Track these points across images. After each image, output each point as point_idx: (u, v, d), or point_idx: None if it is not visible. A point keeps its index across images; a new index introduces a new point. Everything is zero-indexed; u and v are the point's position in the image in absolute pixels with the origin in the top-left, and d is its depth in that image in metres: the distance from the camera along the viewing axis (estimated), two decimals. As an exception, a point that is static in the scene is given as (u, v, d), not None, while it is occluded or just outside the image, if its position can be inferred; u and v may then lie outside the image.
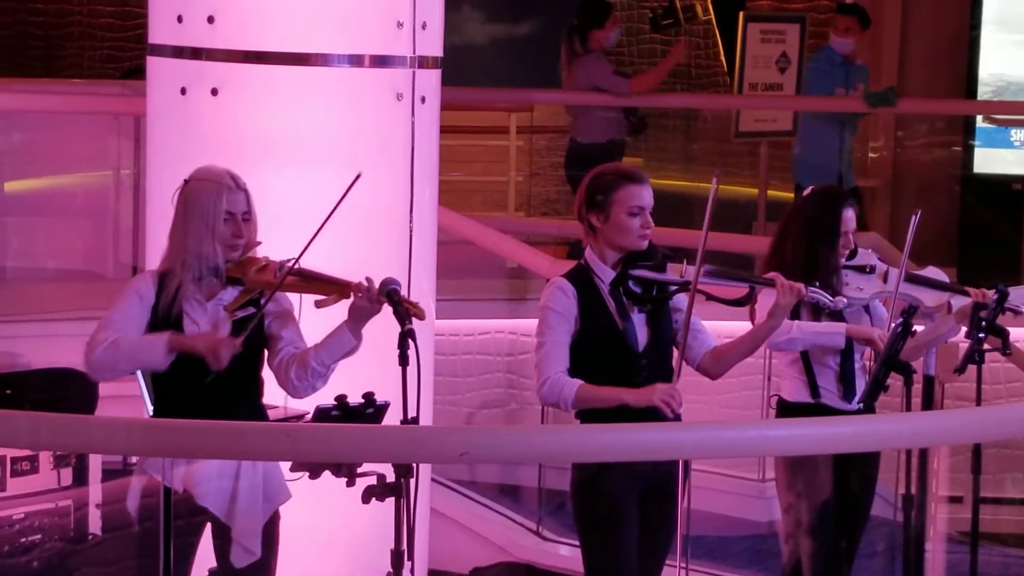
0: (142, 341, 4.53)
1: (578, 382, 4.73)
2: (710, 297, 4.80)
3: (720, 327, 5.09)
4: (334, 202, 4.60)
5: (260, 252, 4.68)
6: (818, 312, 5.38)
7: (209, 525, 4.67)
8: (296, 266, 4.53)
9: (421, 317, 4.47)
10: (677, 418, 4.73)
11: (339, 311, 4.59)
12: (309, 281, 4.58)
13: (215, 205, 4.57)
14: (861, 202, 9.72)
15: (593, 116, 9.60)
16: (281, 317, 4.64)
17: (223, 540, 4.64)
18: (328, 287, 4.56)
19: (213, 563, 4.70)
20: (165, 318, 4.59)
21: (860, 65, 9.80)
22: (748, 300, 4.92)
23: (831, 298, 5.04)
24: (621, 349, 4.80)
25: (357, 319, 4.52)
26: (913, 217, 5.27)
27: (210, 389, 4.52)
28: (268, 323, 4.63)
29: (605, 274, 4.83)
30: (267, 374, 4.73)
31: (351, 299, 4.53)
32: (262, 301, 4.59)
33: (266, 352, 4.67)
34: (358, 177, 4.55)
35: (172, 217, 4.68)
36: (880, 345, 5.21)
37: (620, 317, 4.81)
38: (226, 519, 4.60)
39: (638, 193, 4.81)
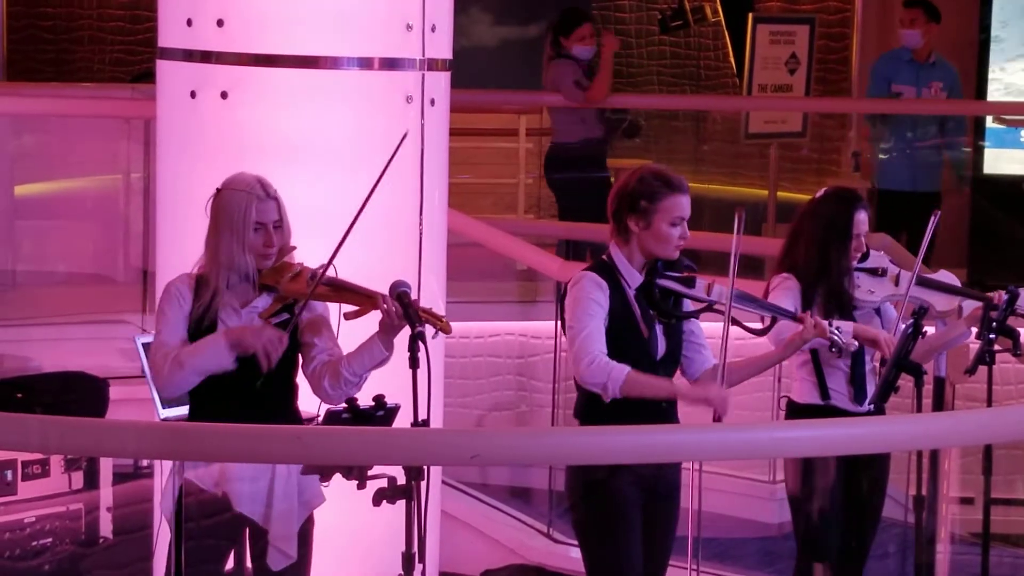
0: (202, 347, 4.53)
1: (627, 368, 4.66)
2: (735, 323, 4.76)
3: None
4: (341, 203, 4.60)
5: (296, 257, 4.68)
6: (829, 312, 5.38)
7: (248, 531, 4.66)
8: (327, 275, 4.52)
9: (447, 331, 4.48)
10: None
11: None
12: (340, 291, 4.58)
13: (245, 216, 4.57)
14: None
15: (570, 117, 9.56)
16: (314, 324, 4.64)
17: (259, 543, 4.63)
18: (358, 299, 4.56)
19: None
20: (199, 324, 4.59)
21: (937, 62, 9.60)
22: (766, 332, 4.88)
23: (845, 340, 5.02)
24: (643, 357, 4.76)
25: (388, 331, 4.52)
26: (932, 218, 5.25)
27: (248, 396, 4.52)
28: (301, 330, 4.62)
29: (632, 278, 4.79)
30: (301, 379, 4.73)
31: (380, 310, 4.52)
32: (296, 309, 4.59)
33: (300, 359, 4.66)
34: (405, 137, 4.53)
35: (207, 225, 4.68)
36: (885, 348, 5.20)
37: (645, 324, 4.78)
38: (262, 522, 4.59)
39: (682, 203, 4.77)
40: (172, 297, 4.63)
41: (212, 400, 4.60)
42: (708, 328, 4.97)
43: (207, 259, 4.64)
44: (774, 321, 4.89)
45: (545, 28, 9.69)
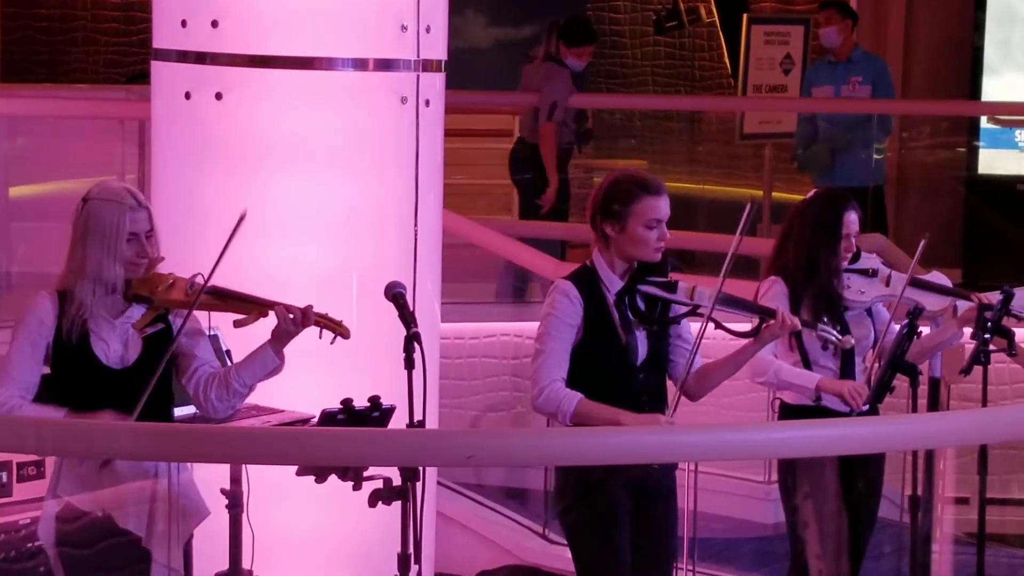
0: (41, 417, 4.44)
1: (578, 396, 4.66)
2: (719, 326, 4.75)
3: (720, 346, 5.05)
4: (336, 205, 4.59)
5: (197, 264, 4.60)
6: (818, 313, 5.37)
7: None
8: (210, 284, 4.46)
9: (346, 336, 4.44)
10: None
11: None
12: (225, 300, 4.51)
13: (117, 226, 4.49)
14: (879, 203, 9.66)
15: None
16: (192, 334, 4.57)
17: (144, 563, 4.57)
18: (245, 306, 4.50)
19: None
20: (69, 339, 4.50)
21: (856, 59, 9.63)
22: (757, 332, 4.87)
23: (840, 336, 5.02)
24: (621, 363, 4.75)
25: (279, 339, 4.47)
26: (922, 242, 5.25)
27: (121, 406, 4.46)
28: (179, 342, 4.53)
29: (613, 283, 4.77)
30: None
31: (271, 318, 4.46)
32: (171, 318, 4.53)
33: (176, 368, 4.59)
34: (242, 218, 4.41)
35: (71, 235, 4.58)
36: (852, 400, 5.20)
37: (623, 330, 4.76)
38: (146, 542, 4.54)
39: (656, 205, 4.73)
40: (33, 321, 4.51)
41: (80, 407, 4.50)
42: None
43: (71, 271, 4.52)
44: (762, 322, 4.86)
45: (546, 28, 9.65)
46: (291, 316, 4.43)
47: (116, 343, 4.53)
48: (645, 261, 4.75)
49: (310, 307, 4.46)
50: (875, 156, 9.78)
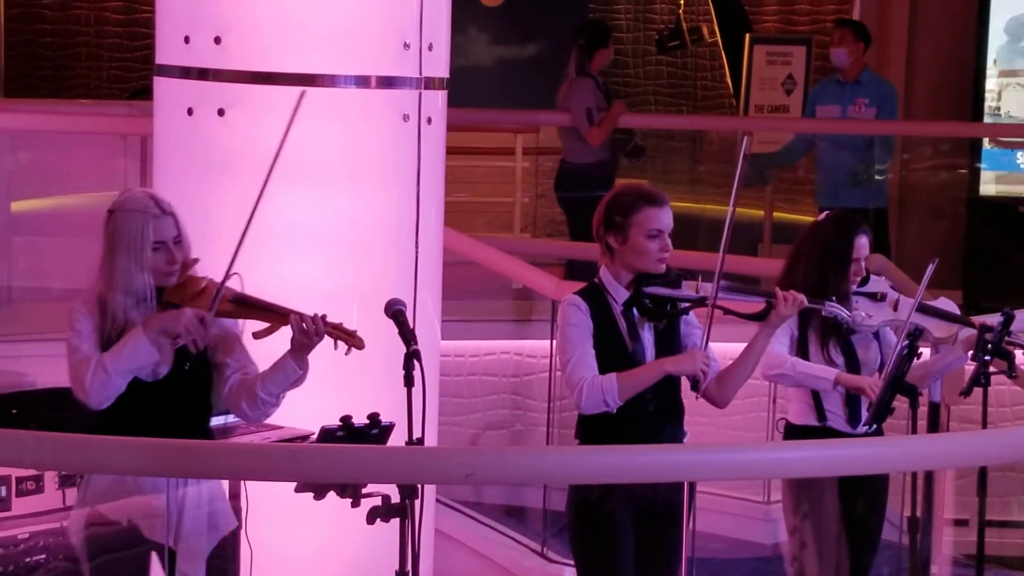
0: (122, 346, 4.44)
1: (613, 377, 4.69)
2: (727, 312, 4.78)
3: (736, 349, 5.05)
4: (337, 222, 4.59)
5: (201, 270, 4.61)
6: (826, 335, 5.38)
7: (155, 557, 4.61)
8: (234, 292, 4.45)
9: (360, 347, 4.44)
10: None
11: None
12: (246, 308, 4.50)
13: (142, 236, 4.49)
14: (881, 225, 9.67)
15: (582, 137, 9.64)
16: (227, 342, 4.57)
17: (169, 569, 4.58)
18: (266, 315, 4.49)
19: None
20: (105, 348, 4.51)
21: (864, 81, 9.65)
22: (766, 315, 4.89)
23: (848, 312, 5.03)
24: (627, 369, 4.78)
25: (299, 350, 4.47)
26: (930, 266, 5.25)
27: (160, 414, 4.47)
28: (213, 349, 4.55)
29: (619, 294, 4.83)
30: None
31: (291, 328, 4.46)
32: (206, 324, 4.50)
33: (215, 377, 4.60)
34: (303, 95, 4.46)
35: (101, 247, 4.59)
36: (871, 394, 5.21)
37: (630, 338, 4.81)
38: (172, 545, 4.55)
39: (657, 216, 4.79)
40: (81, 316, 4.52)
41: (122, 418, 4.52)
42: (715, 346, 4.98)
43: (103, 283, 4.54)
44: (769, 306, 4.87)
45: (547, 49, 9.76)
46: (305, 326, 4.42)
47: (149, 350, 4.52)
48: (650, 272, 4.78)
49: (322, 317, 4.45)
50: (877, 177, 9.78)
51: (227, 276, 4.44)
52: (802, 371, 5.33)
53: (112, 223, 4.56)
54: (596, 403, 4.70)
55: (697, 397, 4.88)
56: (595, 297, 4.83)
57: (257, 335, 4.51)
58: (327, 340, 4.46)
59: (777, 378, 5.40)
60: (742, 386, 4.94)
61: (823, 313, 5.11)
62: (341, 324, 4.46)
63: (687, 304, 4.81)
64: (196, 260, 4.58)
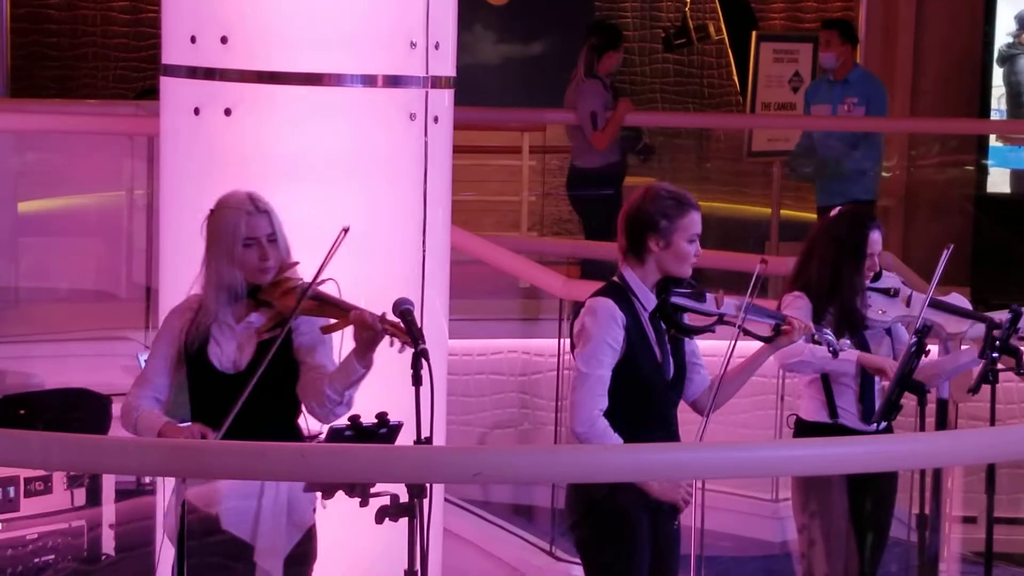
0: (146, 423, 4.55)
1: (619, 439, 4.67)
2: (747, 333, 4.75)
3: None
4: (345, 221, 4.59)
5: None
6: (840, 331, 5.37)
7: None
8: (315, 290, 4.50)
9: (414, 346, 4.45)
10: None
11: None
12: (324, 306, 4.54)
13: (233, 232, 4.55)
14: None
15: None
16: (308, 342, 4.61)
17: (247, 563, 4.61)
18: (337, 312, 4.53)
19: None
20: (192, 344, 4.59)
21: (853, 80, 9.59)
22: (775, 338, 4.86)
23: (836, 341, 5.01)
24: (657, 380, 4.78)
25: (360, 348, 4.48)
26: (945, 252, 5.24)
27: (248, 411, 4.48)
28: (297, 346, 4.59)
29: (647, 299, 4.77)
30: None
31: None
32: (293, 325, 4.55)
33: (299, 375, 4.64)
34: (345, 231, 4.51)
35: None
36: (891, 375, 5.20)
37: (659, 348, 4.78)
38: (250, 540, 4.58)
39: (697, 220, 4.79)
40: (164, 330, 4.66)
41: (211, 412, 4.56)
42: (704, 345, 4.97)
43: (204, 279, 4.63)
44: (778, 329, 4.85)
45: (553, 47, 9.76)
46: (363, 322, 4.43)
47: (231, 348, 4.58)
48: (679, 276, 4.77)
49: (380, 315, 4.46)
50: (870, 173, 9.74)
51: (315, 276, 4.48)
52: (821, 355, 5.30)
53: (211, 221, 4.65)
54: (591, 441, 4.71)
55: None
56: (623, 301, 4.76)
57: (325, 330, 4.55)
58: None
59: (797, 366, 5.36)
60: (731, 398, 4.91)
61: (816, 338, 5.06)
62: (399, 323, 4.47)
63: (710, 321, 4.77)
64: (296, 263, 4.63)
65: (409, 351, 4.34)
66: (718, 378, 4.81)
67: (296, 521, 4.64)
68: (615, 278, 4.83)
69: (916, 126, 11.10)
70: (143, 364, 5.14)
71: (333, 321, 4.53)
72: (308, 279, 4.57)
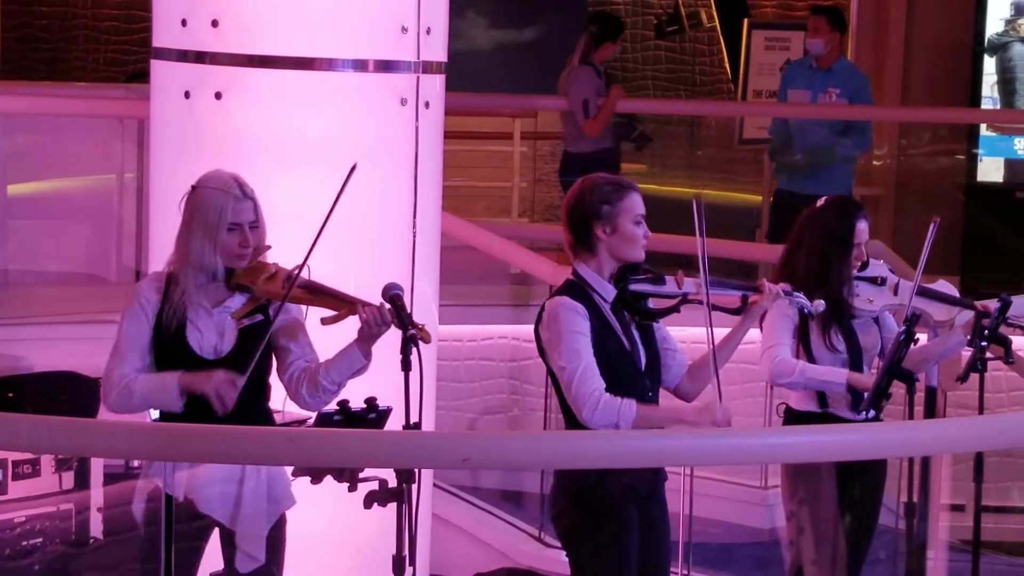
0: (154, 384, 4.50)
1: (634, 403, 4.61)
2: (718, 308, 4.74)
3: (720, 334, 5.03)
4: (336, 207, 4.58)
5: (270, 257, 4.65)
6: (828, 321, 5.37)
7: (217, 530, 4.64)
8: (304, 278, 4.49)
9: (427, 340, 4.42)
10: None
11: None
12: (317, 295, 4.53)
13: (220, 216, 4.52)
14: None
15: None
16: (290, 327, 4.59)
17: (228, 546, 4.62)
18: (335, 303, 4.52)
19: (217, 567, 4.68)
20: (168, 326, 4.56)
21: (838, 69, 9.46)
22: (742, 311, 4.85)
23: (811, 303, 5.01)
24: (631, 370, 4.73)
25: (366, 339, 4.47)
26: (932, 226, 5.24)
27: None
28: (276, 333, 4.57)
29: (606, 291, 4.73)
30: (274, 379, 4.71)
31: (359, 317, 4.48)
32: (270, 310, 4.55)
33: (274, 361, 4.63)
34: (353, 169, 4.50)
35: (180, 220, 4.64)
36: None
37: (626, 337, 4.76)
38: (230, 524, 4.58)
39: (639, 201, 4.75)
40: (137, 304, 4.58)
41: (191, 401, 4.54)
42: (676, 332, 4.96)
43: (177, 257, 4.58)
44: (745, 300, 4.83)
45: (545, 33, 9.74)
46: (374, 316, 4.42)
47: (211, 333, 4.56)
48: (634, 261, 4.75)
49: (389, 308, 4.44)
50: (842, 165, 9.65)
51: (303, 263, 4.46)
52: (812, 376, 5.32)
53: (193, 198, 4.60)
54: (606, 423, 4.61)
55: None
56: (583, 297, 4.71)
57: (325, 321, 4.52)
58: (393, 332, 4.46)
59: (787, 386, 5.38)
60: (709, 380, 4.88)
61: (790, 304, 5.03)
62: (410, 315, 4.46)
63: (673, 302, 4.75)
64: (268, 247, 4.61)
65: (351, 336, 4.36)
66: (711, 355, 4.75)
67: (274, 503, 4.64)
68: (570, 277, 4.78)
69: (907, 115, 11.10)
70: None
71: (332, 313, 4.51)
72: (296, 261, 4.54)
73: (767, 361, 5.30)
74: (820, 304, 5.06)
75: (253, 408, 4.60)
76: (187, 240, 4.56)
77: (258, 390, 4.64)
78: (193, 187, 4.62)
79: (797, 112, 9.62)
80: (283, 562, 4.71)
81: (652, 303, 4.78)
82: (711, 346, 4.68)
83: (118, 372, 4.54)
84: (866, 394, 5.32)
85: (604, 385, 4.63)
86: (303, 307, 4.61)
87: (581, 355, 4.63)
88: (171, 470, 4.52)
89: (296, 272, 4.50)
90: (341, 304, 4.50)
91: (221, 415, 4.45)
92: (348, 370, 4.51)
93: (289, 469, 4.58)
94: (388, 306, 4.45)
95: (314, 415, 4.24)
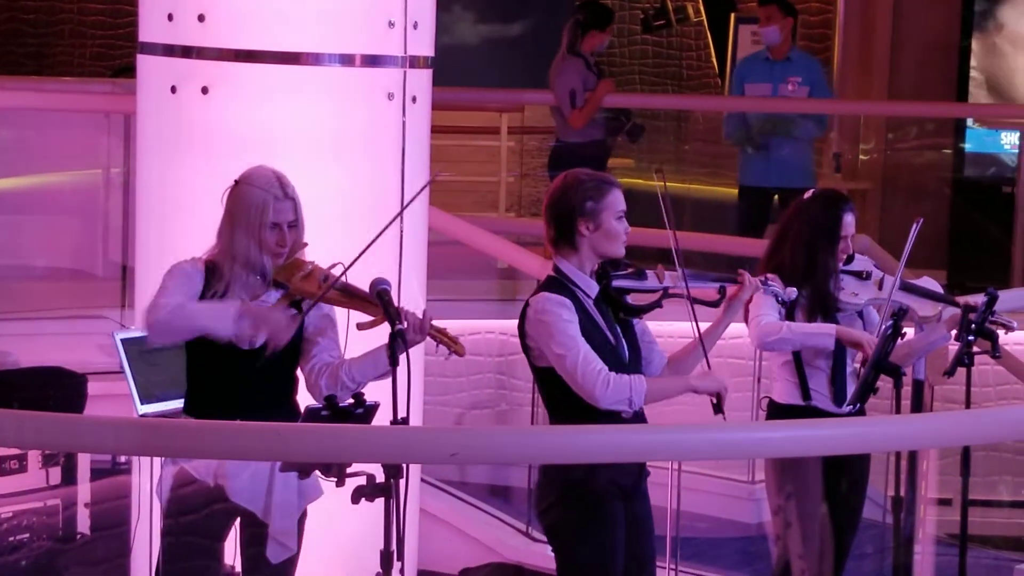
0: (211, 305, 4.48)
1: (642, 378, 4.64)
2: (697, 301, 4.74)
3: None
4: (322, 201, 4.59)
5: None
6: (813, 313, 5.39)
7: (239, 522, 4.62)
8: (341, 280, 4.49)
9: (461, 353, 4.44)
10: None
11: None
12: (351, 298, 4.53)
13: (261, 214, 4.52)
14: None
15: None
16: (320, 323, 4.60)
17: (252, 535, 4.60)
18: (370, 308, 4.51)
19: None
20: None
21: (794, 58, 9.42)
22: (719, 303, 4.86)
23: (784, 290, 5.02)
24: (617, 365, 4.71)
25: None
26: (914, 226, 5.24)
27: (246, 387, 4.50)
28: (307, 326, 4.59)
29: (588, 286, 4.74)
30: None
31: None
32: (304, 308, 4.54)
33: (302, 354, 4.63)
34: (432, 180, 4.51)
35: (222, 213, 4.60)
36: (869, 350, 5.21)
37: (610, 331, 4.76)
38: (262, 515, 4.56)
39: (621, 197, 4.75)
40: (182, 274, 4.55)
41: (211, 390, 4.57)
42: (656, 327, 4.96)
43: (220, 249, 4.58)
44: (723, 292, 4.85)
45: (532, 28, 9.72)
46: (415, 324, 4.41)
47: None
48: (616, 256, 4.75)
49: (429, 319, 4.45)
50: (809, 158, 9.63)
51: (348, 267, 4.47)
52: (800, 331, 5.30)
53: (235, 194, 4.59)
54: (618, 400, 4.60)
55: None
56: (566, 293, 4.71)
57: (361, 326, 4.52)
58: (428, 341, 4.47)
59: (776, 344, 5.33)
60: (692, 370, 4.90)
61: (764, 292, 5.04)
62: (445, 329, 4.47)
63: (655, 296, 4.76)
64: (305, 244, 4.62)
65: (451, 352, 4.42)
66: (696, 343, 4.77)
67: (304, 494, 4.61)
68: (551, 274, 4.78)
69: (894, 109, 11.11)
70: (119, 342, 5.07)
71: (369, 319, 4.50)
72: (316, 261, 4.55)
73: (753, 328, 5.29)
74: (792, 291, 5.08)
75: (281, 401, 4.60)
76: (231, 235, 4.57)
77: (286, 384, 4.63)
78: (236, 182, 4.62)
79: (782, 107, 9.62)
80: (300, 551, 4.69)
81: (633, 298, 4.79)
82: (695, 330, 4.70)
83: (167, 298, 4.47)
84: (851, 389, 5.33)
85: (604, 366, 4.62)
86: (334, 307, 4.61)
87: (577, 341, 4.64)
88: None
89: (330, 273, 4.50)
90: (376, 310, 4.49)
91: (272, 350, 4.44)
92: (372, 371, 4.50)
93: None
94: (431, 317, 4.45)
95: (302, 410, 4.23)
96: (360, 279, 4.57)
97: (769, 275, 5.09)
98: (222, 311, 4.45)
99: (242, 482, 4.53)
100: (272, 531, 4.56)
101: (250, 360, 4.49)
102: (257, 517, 4.56)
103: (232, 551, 4.65)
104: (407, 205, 4.50)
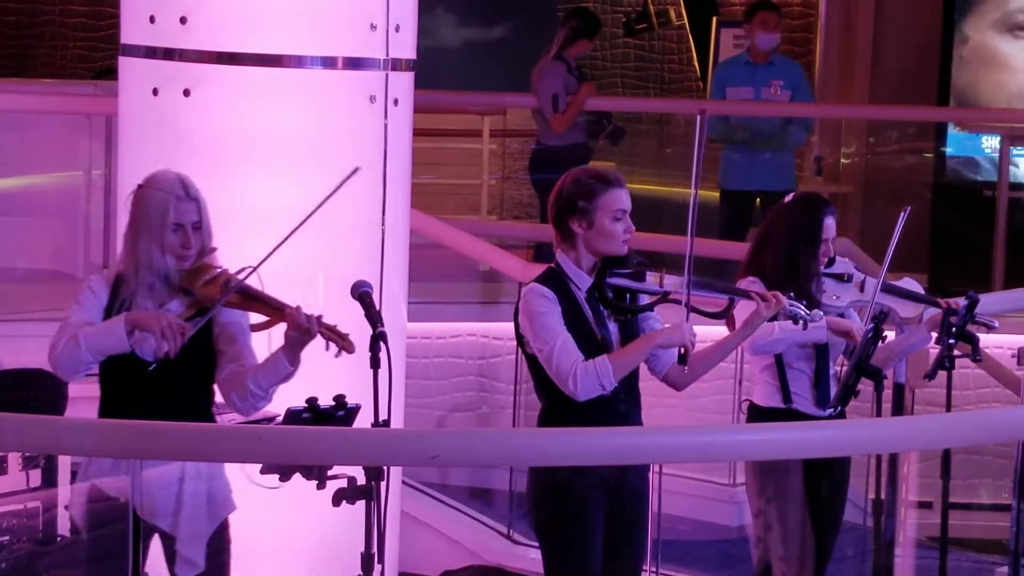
0: (100, 326, 4.47)
1: (605, 358, 4.66)
2: (694, 310, 4.76)
3: (706, 332, 5.04)
4: (303, 203, 4.58)
5: (220, 258, 4.61)
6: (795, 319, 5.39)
7: (157, 538, 4.60)
8: (242, 283, 4.45)
9: (350, 351, 4.39)
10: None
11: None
12: (250, 300, 4.49)
13: (162, 216, 4.49)
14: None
15: None
16: (229, 331, 4.56)
17: (169, 552, 4.58)
18: (266, 309, 4.48)
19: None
20: None
21: (776, 62, 9.43)
22: (727, 314, 4.88)
23: (808, 312, 5.02)
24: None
25: (292, 346, 4.44)
26: (901, 215, 5.25)
27: (161, 399, 4.47)
28: (216, 336, 4.55)
29: (582, 281, 4.78)
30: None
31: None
32: (210, 314, 4.51)
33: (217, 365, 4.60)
34: (354, 172, 4.50)
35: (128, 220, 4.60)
36: (857, 337, 5.22)
37: (598, 326, 4.77)
38: (170, 529, 4.54)
39: (620, 196, 4.77)
40: (87, 290, 4.55)
41: (123, 401, 4.53)
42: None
43: (125, 257, 4.57)
44: (731, 304, 4.87)
45: (514, 31, 9.73)
46: (299, 322, 4.40)
47: (154, 336, 4.50)
48: (613, 255, 4.77)
49: (317, 317, 4.43)
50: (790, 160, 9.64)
51: (253, 270, 4.45)
52: (791, 329, 5.30)
53: (137, 198, 4.58)
54: (592, 387, 4.65)
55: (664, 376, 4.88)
56: (557, 284, 4.77)
57: (255, 328, 4.51)
58: (318, 340, 4.44)
59: (772, 345, 5.33)
60: (704, 374, 4.92)
61: (785, 315, 5.05)
62: (335, 326, 4.45)
63: (652, 301, 4.78)
64: (214, 249, 4.59)
65: (344, 353, 4.34)
66: (703, 354, 4.80)
67: (214, 509, 4.61)
68: (552, 264, 4.84)
69: (875, 113, 11.14)
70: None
71: (263, 319, 4.48)
72: (241, 266, 4.51)
73: None
74: (819, 314, 5.08)
75: (198, 414, 4.57)
76: (134, 240, 4.54)
77: (203, 396, 4.61)
78: (139, 186, 4.60)
79: (766, 110, 9.64)
80: (229, 567, 4.66)
81: (628, 298, 4.80)
82: (686, 312, 4.69)
83: (64, 329, 4.48)
84: (833, 391, 5.34)
85: (582, 357, 4.65)
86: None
87: (556, 332, 4.68)
88: (106, 470, 4.48)
89: (233, 276, 4.46)
90: (270, 311, 4.47)
91: (161, 359, 4.39)
92: (275, 376, 4.47)
93: (231, 475, 4.58)
94: (316, 315, 4.42)
95: (282, 412, 4.23)
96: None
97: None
98: (110, 329, 4.43)
99: (152, 499, 4.50)
100: (179, 547, 4.54)
101: (157, 373, 4.44)
102: (167, 532, 4.54)
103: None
104: (328, 198, 4.47)
